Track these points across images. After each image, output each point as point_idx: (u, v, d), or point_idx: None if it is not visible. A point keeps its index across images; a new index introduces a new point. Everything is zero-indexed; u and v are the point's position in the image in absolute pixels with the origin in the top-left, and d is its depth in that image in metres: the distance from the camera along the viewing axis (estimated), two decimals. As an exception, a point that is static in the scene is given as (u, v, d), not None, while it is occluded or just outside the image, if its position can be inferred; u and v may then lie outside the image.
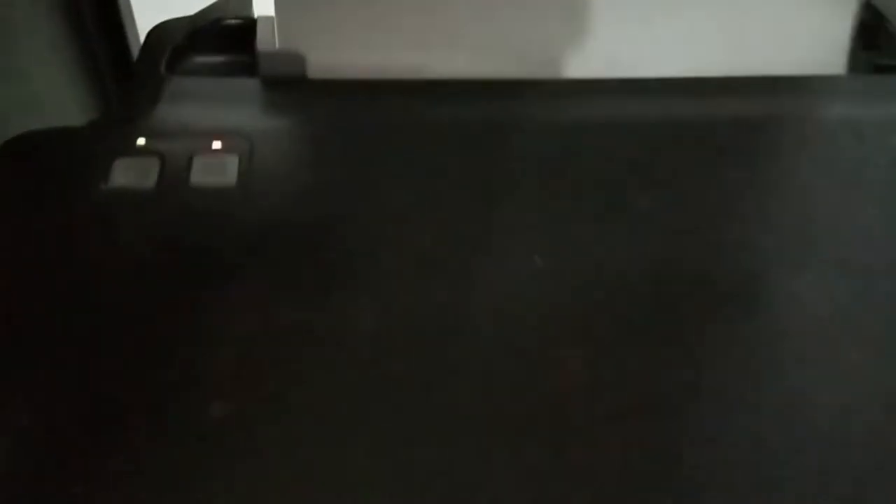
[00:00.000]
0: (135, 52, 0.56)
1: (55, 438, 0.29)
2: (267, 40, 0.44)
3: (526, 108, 0.43)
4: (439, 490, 0.27)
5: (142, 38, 0.55)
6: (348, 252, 0.35)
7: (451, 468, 0.28)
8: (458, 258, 0.35)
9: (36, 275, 0.34)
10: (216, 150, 0.39)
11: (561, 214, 0.37)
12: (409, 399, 0.30)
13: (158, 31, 0.48)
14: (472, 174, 0.39)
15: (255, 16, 0.47)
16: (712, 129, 0.42)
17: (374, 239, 0.36)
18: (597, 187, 0.38)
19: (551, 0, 0.44)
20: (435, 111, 0.43)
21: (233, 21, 0.47)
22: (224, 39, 0.46)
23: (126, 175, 0.37)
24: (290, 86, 0.44)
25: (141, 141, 0.39)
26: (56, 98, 0.46)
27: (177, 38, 0.46)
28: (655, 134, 0.41)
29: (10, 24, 0.46)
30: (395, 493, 0.27)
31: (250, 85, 0.44)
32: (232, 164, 0.38)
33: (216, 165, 0.38)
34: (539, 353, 0.31)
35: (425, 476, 0.28)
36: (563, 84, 0.45)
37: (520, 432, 0.29)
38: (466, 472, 0.28)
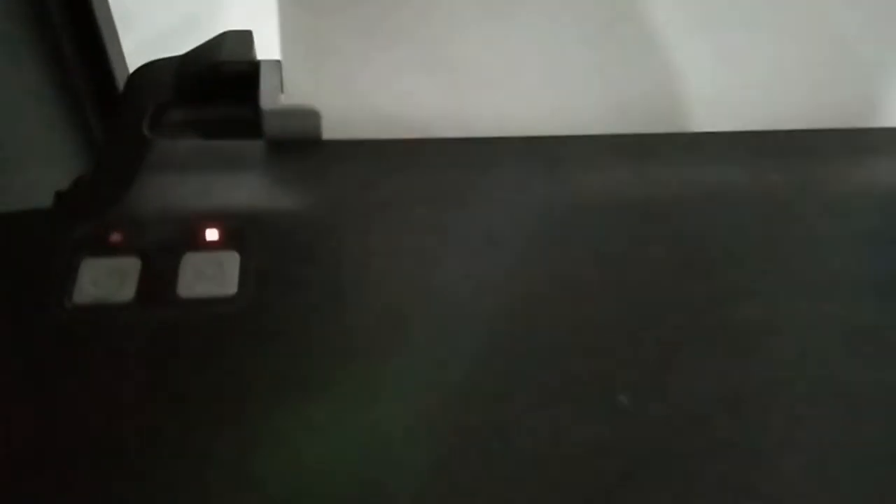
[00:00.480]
0: (121, 80, 0.48)
1: None
2: (272, 91, 0.36)
3: (568, 168, 0.36)
4: None
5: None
6: (376, 387, 0.27)
7: None
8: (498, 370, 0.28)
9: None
10: (212, 245, 0.31)
11: (587, 286, 0.31)
12: None
13: (141, 77, 0.40)
14: (515, 259, 0.32)
15: (258, 58, 0.39)
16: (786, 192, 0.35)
17: (407, 364, 0.28)
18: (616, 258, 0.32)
19: (585, 53, 0.38)
20: (474, 180, 0.35)
21: (230, 64, 0.38)
22: (219, 87, 0.38)
23: (97, 283, 0.29)
24: (301, 150, 0.35)
25: (116, 236, 0.31)
26: (37, 139, 0.38)
27: (162, 85, 0.38)
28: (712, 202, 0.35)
29: None
30: None
31: (253, 150, 0.35)
32: (231, 264, 0.30)
33: (212, 268, 0.30)
34: None
35: None
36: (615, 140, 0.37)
37: None
38: None
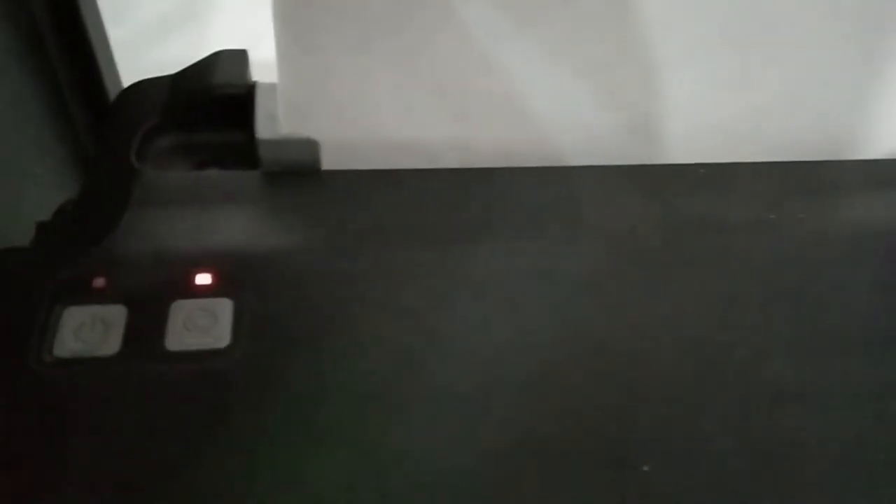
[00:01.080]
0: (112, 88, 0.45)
1: None
2: (268, 118, 0.34)
3: (595, 203, 0.34)
4: None
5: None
6: (379, 444, 0.25)
7: None
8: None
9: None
10: (203, 291, 0.29)
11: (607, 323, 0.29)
12: None
13: (128, 99, 0.37)
14: (534, 305, 0.30)
15: (253, 80, 0.37)
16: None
17: (413, 422, 0.26)
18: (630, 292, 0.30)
19: (602, 77, 0.36)
20: (481, 213, 0.33)
21: (224, 87, 0.36)
22: (212, 111, 0.36)
23: (79, 335, 0.27)
24: (300, 182, 0.33)
25: (99, 281, 0.29)
26: (26, 160, 0.36)
27: (151, 108, 0.36)
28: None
29: None
30: None
31: (248, 181, 0.33)
32: (224, 313, 0.28)
33: (203, 317, 0.28)
34: None
35: None
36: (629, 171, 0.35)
37: None
38: None
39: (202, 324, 0.28)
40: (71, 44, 0.40)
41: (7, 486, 0.24)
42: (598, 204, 0.34)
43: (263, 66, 0.36)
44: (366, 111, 0.35)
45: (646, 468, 0.25)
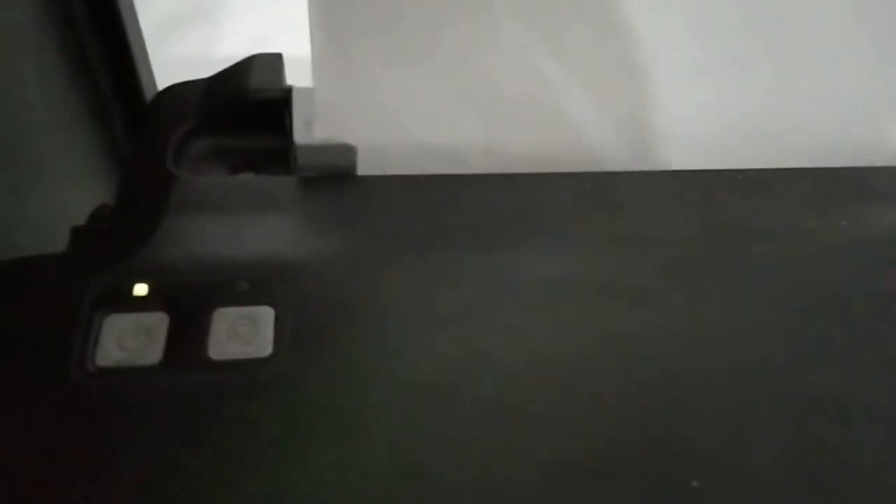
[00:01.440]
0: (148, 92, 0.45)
1: None
2: (305, 124, 0.34)
3: (627, 210, 0.33)
4: None
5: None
6: (419, 461, 0.25)
7: None
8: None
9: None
10: (244, 299, 0.29)
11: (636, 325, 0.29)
12: None
13: (163, 102, 0.37)
14: (575, 312, 0.29)
15: (288, 84, 0.36)
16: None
17: (456, 435, 0.26)
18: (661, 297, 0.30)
19: (632, 83, 0.36)
20: (515, 219, 0.33)
21: (259, 91, 0.36)
22: (248, 115, 0.36)
23: (121, 343, 0.27)
24: (336, 187, 0.33)
25: (141, 288, 0.28)
26: (62, 155, 0.36)
27: (186, 112, 0.36)
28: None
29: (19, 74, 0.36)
30: None
31: (285, 186, 0.33)
32: (266, 321, 0.28)
33: (245, 325, 0.28)
34: None
35: None
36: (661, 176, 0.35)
37: None
38: None
39: (244, 332, 0.28)
40: (109, 48, 0.40)
41: (51, 497, 0.24)
42: (632, 209, 0.34)
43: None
44: (400, 116, 0.35)
45: (695, 483, 0.25)
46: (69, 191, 0.40)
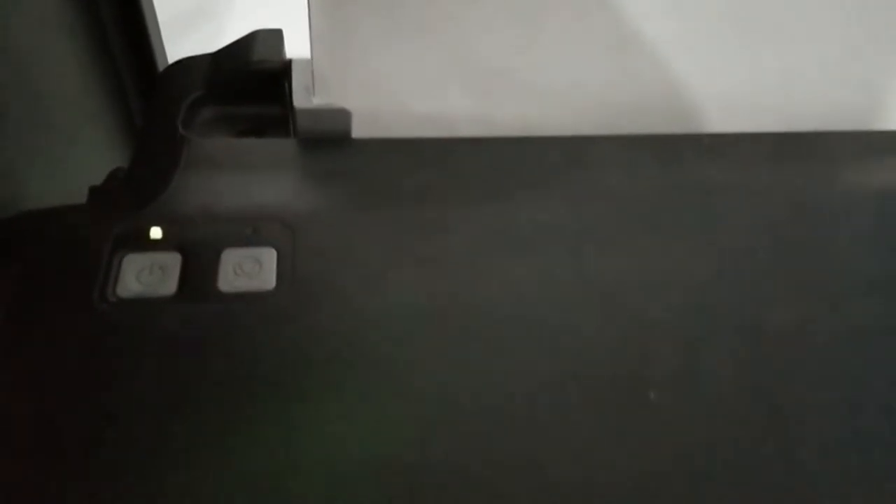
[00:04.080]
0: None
1: None
2: (304, 90, 0.37)
3: (603, 170, 0.37)
4: None
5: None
6: (412, 377, 0.28)
7: None
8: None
9: (31, 408, 0.27)
10: (249, 242, 0.32)
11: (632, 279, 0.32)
12: None
13: (173, 74, 0.40)
14: (552, 256, 0.32)
15: (288, 57, 0.40)
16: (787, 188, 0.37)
17: (443, 356, 0.29)
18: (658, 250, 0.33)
19: (614, 55, 0.39)
20: (499, 177, 0.36)
21: (261, 63, 0.39)
22: (251, 85, 0.39)
23: (140, 278, 0.30)
24: (332, 148, 0.36)
25: (156, 231, 0.32)
26: (79, 125, 0.39)
27: (194, 82, 0.39)
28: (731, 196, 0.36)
29: (40, 46, 0.39)
30: None
31: (285, 148, 0.36)
32: (269, 260, 0.31)
33: (250, 263, 0.31)
34: None
35: None
36: (636, 141, 0.38)
37: None
38: None
39: (249, 269, 0.31)
40: (125, 24, 0.43)
41: (75, 408, 0.27)
42: (604, 168, 0.37)
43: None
44: (392, 85, 0.38)
45: (652, 395, 0.28)
46: (85, 155, 0.43)
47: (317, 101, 0.37)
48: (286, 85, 0.38)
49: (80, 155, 0.42)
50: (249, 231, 0.32)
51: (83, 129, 0.42)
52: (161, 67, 0.44)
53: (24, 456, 0.26)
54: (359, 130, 0.37)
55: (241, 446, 0.26)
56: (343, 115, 0.36)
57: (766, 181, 0.37)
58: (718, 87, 0.40)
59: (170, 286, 0.30)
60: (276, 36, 0.40)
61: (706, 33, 0.39)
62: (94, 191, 0.36)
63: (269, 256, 0.31)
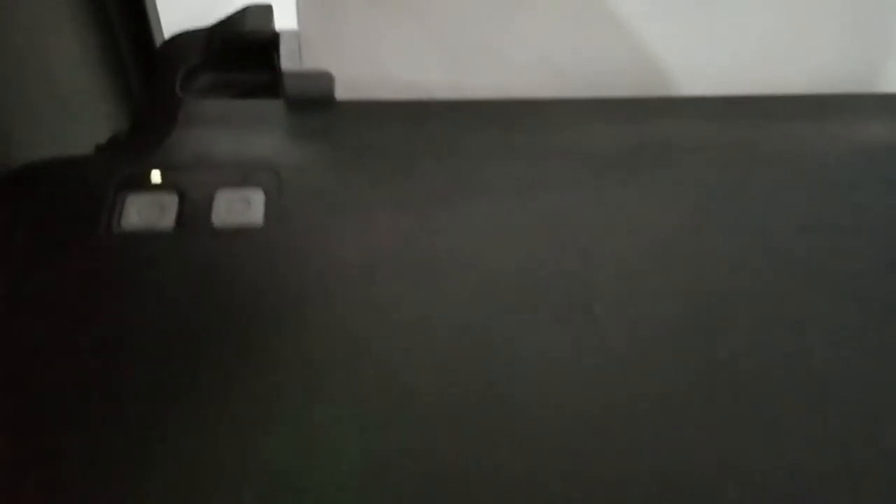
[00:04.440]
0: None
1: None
2: (291, 57, 0.40)
3: (567, 129, 0.40)
4: None
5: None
6: (387, 300, 0.31)
7: None
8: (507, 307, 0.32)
9: (41, 328, 0.30)
10: (240, 185, 0.35)
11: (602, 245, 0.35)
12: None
13: (172, 46, 0.44)
14: (516, 203, 0.36)
15: (277, 29, 0.43)
16: (764, 149, 0.40)
17: (415, 284, 0.32)
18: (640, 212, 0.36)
19: (588, 18, 0.42)
20: (469, 135, 0.39)
21: (253, 34, 0.43)
22: (243, 55, 0.42)
23: (141, 214, 0.34)
24: (317, 109, 0.40)
25: (156, 175, 0.35)
26: (80, 99, 0.42)
27: (191, 52, 0.42)
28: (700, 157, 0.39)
29: (40, 26, 0.42)
30: None
31: (274, 108, 0.40)
32: (258, 200, 0.34)
33: (241, 202, 0.34)
34: None
35: None
36: (602, 104, 0.41)
37: None
38: None
39: (240, 209, 0.34)
40: (123, 3, 0.46)
41: (82, 333, 0.30)
42: (574, 128, 0.40)
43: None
44: (374, 53, 0.41)
45: (598, 310, 0.31)
46: (87, 124, 0.46)
47: (303, 66, 0.40)
48: (275, 54, 0.41)
49: (80, 129, 0.45)
50: (240, 176, 0.35)
51: (84, 104, 0.46)
52: (158, 44, 0.48)
53: (39, 373, 0.29)
54: (342, 93, 0.40)
55: (233, 365, 0.29)
56: (327, 79, 0.40)
57: (722, 139, 0.40)
58: (684, 53, 0.44)
59: (168, 221, 0.33)
60: (266, 10, 0.44)
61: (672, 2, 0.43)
62: (98, 147, 0.40)
63: (258, 197, 0.34)
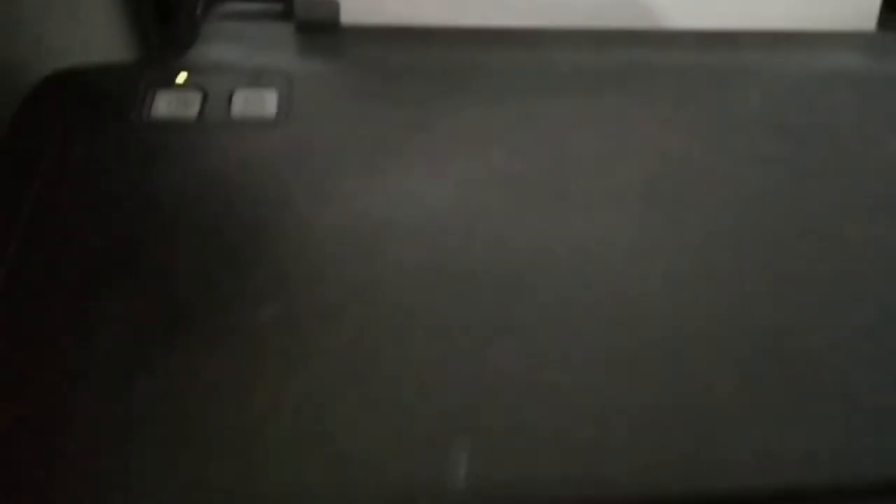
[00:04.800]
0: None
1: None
2: None
3: (565, 56, 0.44)
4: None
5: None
6: (382, 174, 0.36)
7: None
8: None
9: (83, 200, 0.35)
10: (255, 85, 0.40)
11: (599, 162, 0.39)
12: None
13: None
14: (497, 120, 0.40)
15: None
16: (739, 82, 0.44)
17: (418, 171, 0.37)
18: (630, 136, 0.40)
19: None
20: (465, 52, 0.44)
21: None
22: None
23: (169, 106, 0.38)
24: (323, 31, 0.44)
25: (182, 76, 0.40)
26: (100, 35, 0.46)
27: (210, -13, 0.47)
28: (682, 85, 0.43)
29: None
30: None
31: (285, 29, 0.45)
32: (271, 98, 0.39)
33: (257, 100, 0.39)
34: None
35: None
36: (599, 34, 0.46)
37: None
38: None
39: (256, 104, 0.39)
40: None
41: (115, 200, 0.35)
42: (565, 52, 0.45)
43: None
44: None
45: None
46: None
47: (313, -3, 0.45)
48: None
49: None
50: (256, 78, 0.40)
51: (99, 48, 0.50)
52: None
53: (78, 230, 0.33)
54: (347, 18, 0.45)
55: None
56: (333, 5, 0.45)
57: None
58: None
59: (192, 113, 0.38)
60: None
61: None
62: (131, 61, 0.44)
63: (271, 95, 0.39)
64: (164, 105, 0.38)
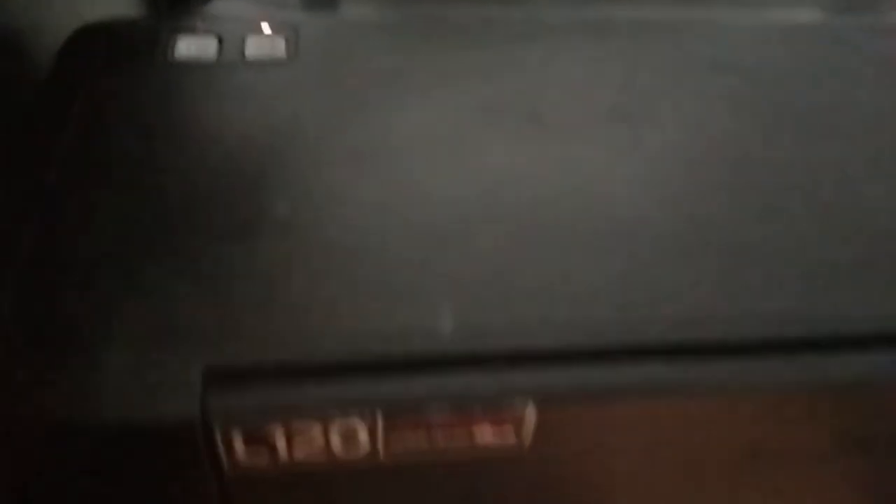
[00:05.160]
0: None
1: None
2: None
3: (544, 11, 0.50)
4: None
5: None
6: (378, 106, 0.41)
7: None
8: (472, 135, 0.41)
9: (118, 128, 0.39)
10: (268, 30, 0.45)
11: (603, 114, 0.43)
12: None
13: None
14: (478, 63, 0.45)
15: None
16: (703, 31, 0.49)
17: (406, 105, 0.42)
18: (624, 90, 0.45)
19: None
20: (464, 11, 0.49)
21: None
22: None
23: (190, 49, 0.43)
24: (325, -9, 0.50)
25: (202, 24, 0.45)
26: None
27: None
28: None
29: None
30: None
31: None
32: (280, 43, 0.44)
33: (268, 45, 0.44)
34: None
35: None
36: None
37: None
38: None
39: (268, 48, 0.44)
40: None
41: (143, 128, 0.39)
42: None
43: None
44: None
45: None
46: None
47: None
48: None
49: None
50: (266, 26, 0.45)
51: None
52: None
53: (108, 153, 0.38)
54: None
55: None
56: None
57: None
58: None
59: (211, 55, 0.43)
60: None
61: None
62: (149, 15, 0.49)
63: (280, 41, 0.44)
64: (184, 48, 0.43)
